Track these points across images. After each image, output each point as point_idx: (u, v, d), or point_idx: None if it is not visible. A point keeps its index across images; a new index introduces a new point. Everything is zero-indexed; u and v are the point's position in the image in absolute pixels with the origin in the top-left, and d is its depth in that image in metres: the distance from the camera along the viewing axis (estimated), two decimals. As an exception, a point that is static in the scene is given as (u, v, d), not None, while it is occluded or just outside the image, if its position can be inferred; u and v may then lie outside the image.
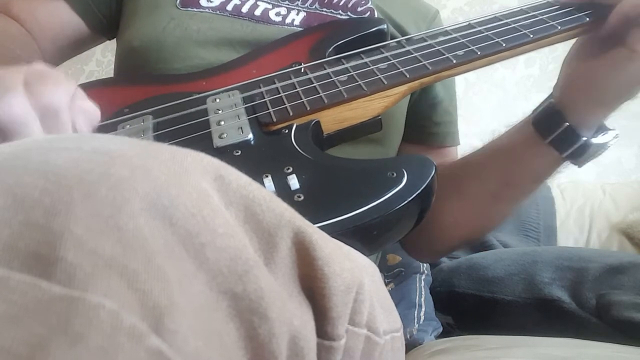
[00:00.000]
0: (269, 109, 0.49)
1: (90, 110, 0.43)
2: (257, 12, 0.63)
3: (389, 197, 0.40)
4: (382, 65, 0.51)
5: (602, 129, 0.53)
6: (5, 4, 0.67)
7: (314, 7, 0.65)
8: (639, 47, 0.46)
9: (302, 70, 0.53)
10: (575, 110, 0.51)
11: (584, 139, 0.51)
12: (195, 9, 0.62)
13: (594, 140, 0.52)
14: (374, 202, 0.40)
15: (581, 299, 0.65)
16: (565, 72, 0.54)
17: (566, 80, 0.53)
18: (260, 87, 0.52)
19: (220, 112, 0.49)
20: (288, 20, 0.63)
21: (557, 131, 0.52)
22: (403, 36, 0.65)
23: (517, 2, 1.73)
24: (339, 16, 0.65)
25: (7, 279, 0.17)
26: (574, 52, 0.54)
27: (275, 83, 0.52)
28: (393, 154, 0.69)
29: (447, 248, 0.70)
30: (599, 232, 1.18)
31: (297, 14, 0.64)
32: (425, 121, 0.71)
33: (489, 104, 1.67)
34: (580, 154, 0.52)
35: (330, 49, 0.56)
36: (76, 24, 0.67)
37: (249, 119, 0.48)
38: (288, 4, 0.65)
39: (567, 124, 0.51)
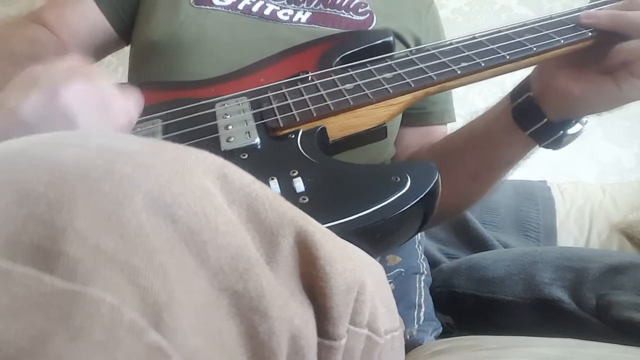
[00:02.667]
0: (276, 115, 0.50)
1: (134, 98, 0.45)
2: (266, 12, 0.67)
3: (392, 201, 0.41)
4: (387, 75, 0.52)
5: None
6: (36, 14, 0.71)
7: (318, 7, 0.69)
8: (625, 88, 0.48)
9: (310, 79, 0.55)
10: (554, 111, 0.54)
11: (561, 132, 0.54)
12: (208, 7, 0.66)
13: (570, 131, 0.55)
14: (378, 205, 0.40)
15: (581, 299, 0.65)
16: (544, 72, 0.55)
17: (545, 83, 0.55)
18: (267, 94, 0.53)
19: (228, 117, 0.50)
20: (295, 19, 0.67)
21: (537, 125, 0.55)
22: (403, 31, 0.69)
23: (517, 2, 1.72)
24: (342, 15, 0.68)
25: (10, 271, 0.17)
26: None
27: (282, 90, 0.53)
28: (392, 139, 0.72)
29: None
30: (599, 232, 1.18)
31: (304, 14, 0.68)
32: (423, 102, 0.74)
33: (489, 104, 1.67)
34: (557, 143, 0.56)
35: (337, 60, 0.58)
36: (103, 25, 0.70)
37: (256, 124, 0.49)
38: (294, 6, 0.68)
39: (546, 119, 0.54)
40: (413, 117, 0.74)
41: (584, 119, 0.55)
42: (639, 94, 0.49)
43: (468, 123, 0.64)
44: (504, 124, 0.57)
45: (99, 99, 0.40)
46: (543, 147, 0.56)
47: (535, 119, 0.55)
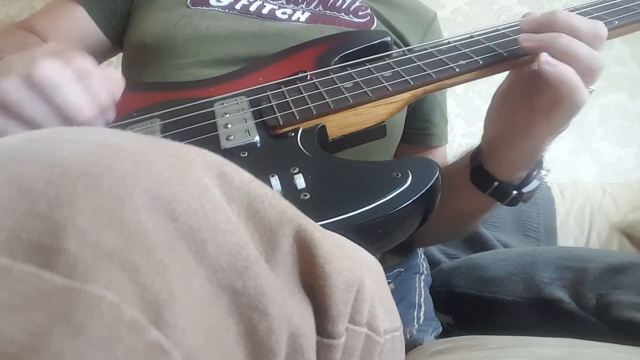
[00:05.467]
0: (275, 113, 0.50)
1: (114, 76, 0.45)
2: (264, 11, 0.66)
3: (393, 196, 0.41)
4: (386, 73, 0.52)
5: (538, 165, 0.56)
6: (27, 22, 0.70)
7: (317, 9, 0.68)
8: (554, 119, 0.49)
9: (308, 78, 0.55)
10: (500, 171, 0.55)
11: (515, 192, 0.55)
12: (205, 8, 0.65)
13: (525, 190, 0.55)
14: (379, 200, 0.40)
15: (581, 299, 0.65)
16: (486, 129, 0.56)
17: (488, 140, 0.56)
18: (266, 92, 0.53)
19: (227, 115, 0.50)
20: (294, 18, 0.66)
21: (490, 188, 0.56)
22: (401, 42, 0.69)
23: (517, 2, 1.72)
24: (342, 17, 0.68)
25: (10, 268, 0.17)
26: (494, 103, 0.56)
27: (281, 88, 0.53)
28: (393, 150, 0.72)
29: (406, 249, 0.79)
30: (599, 232, 1.18)
31: (302, 14, 0.67)
32: (426, 123, 0.75)
33: (488, 104, 1.67)
34: (516, 200, 0.56)
35: (335, 59, 0.58)
36: (94, 32, 0.70)
37: (255, 122, 0.49)
38: (293, 6, 0.68)
39: (497, 183, 0.55)
40: (415, 137, 0.75)
41: (543, 172, 0.55)
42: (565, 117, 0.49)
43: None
44: (466, 181, 0.58)
45: (78, 70, 0.41)
46: (506, 204, 0.57)
47: (487, 183, 0.56)
